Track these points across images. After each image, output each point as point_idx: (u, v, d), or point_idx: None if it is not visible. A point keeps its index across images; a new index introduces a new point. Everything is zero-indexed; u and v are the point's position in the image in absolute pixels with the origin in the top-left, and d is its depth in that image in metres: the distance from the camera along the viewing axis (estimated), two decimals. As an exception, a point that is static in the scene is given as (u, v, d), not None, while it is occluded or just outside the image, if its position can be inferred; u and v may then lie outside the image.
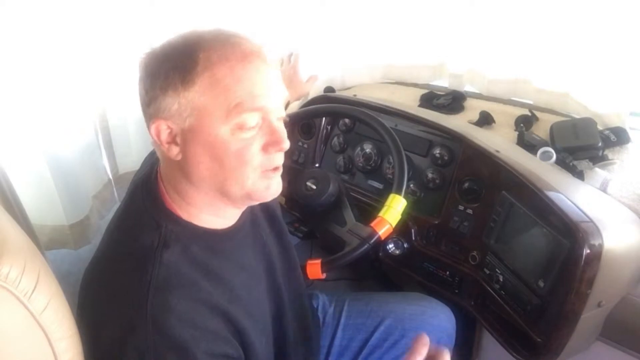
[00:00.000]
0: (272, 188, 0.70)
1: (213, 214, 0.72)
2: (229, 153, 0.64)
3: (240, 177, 0.66)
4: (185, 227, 0.70)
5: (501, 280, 1.01)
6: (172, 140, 0.66)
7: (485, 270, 1.06)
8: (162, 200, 0.71)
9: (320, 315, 1.13)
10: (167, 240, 0.67)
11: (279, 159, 0.69)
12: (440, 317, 1.13)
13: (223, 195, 0.69)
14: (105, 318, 0.64)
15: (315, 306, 1.14)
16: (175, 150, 0.66)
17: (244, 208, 0.77)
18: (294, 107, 1.41)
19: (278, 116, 0.68)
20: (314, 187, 1.12)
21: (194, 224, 0.71)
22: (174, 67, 0.63)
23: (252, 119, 0.64)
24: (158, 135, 0.66)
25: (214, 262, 0.70)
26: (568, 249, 0.87)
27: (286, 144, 0.67)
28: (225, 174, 0.66)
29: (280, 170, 0.71)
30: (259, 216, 0.87)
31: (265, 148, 0.66)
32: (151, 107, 0.66)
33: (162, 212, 0.70)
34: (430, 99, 1.52)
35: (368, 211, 1.16)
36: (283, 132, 0.68)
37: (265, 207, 0.89)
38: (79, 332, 0.65)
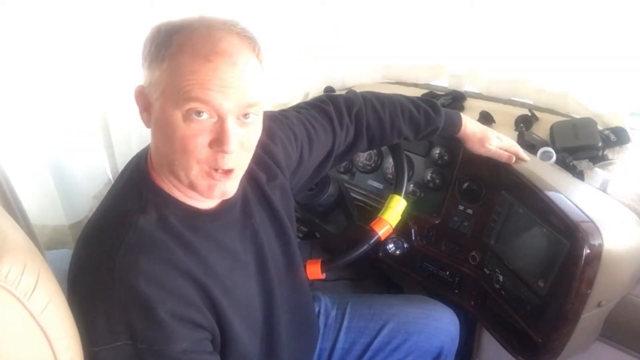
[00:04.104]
0: (215, 190, 0.69)
1: (186, 195, 0.73)
2: (176, 137, 0.66)
3: (185, 164, 0.67)
4: (165, 198, 0.72)
5: (501, 280, 1.01)
6: (147, 109, 0.70)
7: (485, 270, 1.06)
8: (148, 172, 0.74)
9: (323, 318, 1.13)
10: (146, 206, 0.70)
11: (221, 161, 0.66)
12: (443, 320, 1.12)
13: (175, 178, 0.70)
14: (82, 278, 0.68)
15: (318, 308, 1.13)
16: (147, 119, 0.71)
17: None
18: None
19: (239, 116, 0.67)
20: (314, 187, 1.12)
21: (174, 197, 0.73)
22: (157, 44, 0.67)
23: (199, 109, 0.64)
24: (138, 98, 0.70)
25: (191, 236, 0.72)
26: (568, 249, 0.87)
27: (228, 147, 0.65)
28: (174, 155, 0.67)
29: (232, 177, 0.70)
30: (254, 207, 0.86)
31: (211, 144, 0.66)
32: (143, 72, 0.70)
33: (146, 182, 0.73)
34: (430, 99, 1.52)
35: (368, 211, 1.16)
36: (232, 134, 0.65)
37: (264, 201, 0.88)
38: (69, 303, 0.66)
